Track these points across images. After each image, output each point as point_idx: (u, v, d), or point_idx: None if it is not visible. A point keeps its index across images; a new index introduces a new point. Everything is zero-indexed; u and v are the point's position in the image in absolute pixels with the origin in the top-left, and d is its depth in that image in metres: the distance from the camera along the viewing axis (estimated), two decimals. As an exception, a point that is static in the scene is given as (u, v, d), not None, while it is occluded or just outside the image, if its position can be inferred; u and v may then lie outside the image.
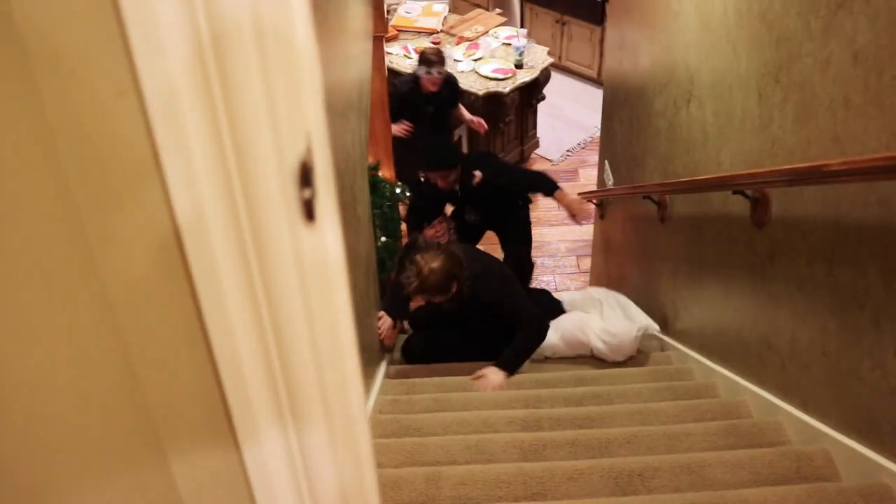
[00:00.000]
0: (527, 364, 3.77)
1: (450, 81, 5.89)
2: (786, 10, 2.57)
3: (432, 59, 5.52)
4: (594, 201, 5.82)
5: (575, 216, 4.72)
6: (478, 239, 5.32)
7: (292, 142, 0.65)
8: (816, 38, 2.37)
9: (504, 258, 4.99)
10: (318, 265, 0.73)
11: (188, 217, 0.66)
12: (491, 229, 5.28)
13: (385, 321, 3.79)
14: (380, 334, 3.75)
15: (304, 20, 0.65)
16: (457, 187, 4.77)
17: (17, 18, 0.58)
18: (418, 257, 3.46)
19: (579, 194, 5.38)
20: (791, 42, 2.54)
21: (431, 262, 3.43)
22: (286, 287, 0.71)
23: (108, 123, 0.62)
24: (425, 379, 3.60)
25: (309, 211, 0.68)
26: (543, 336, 3.74)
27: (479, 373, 3.54)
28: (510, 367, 3.59)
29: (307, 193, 0.67)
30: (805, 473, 2.33)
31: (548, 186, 4.68)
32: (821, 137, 2.37)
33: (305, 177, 0.67)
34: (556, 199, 4.65)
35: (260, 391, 0.76)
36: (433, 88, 5.62)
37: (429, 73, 5.52)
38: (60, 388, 0.67)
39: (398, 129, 5.60)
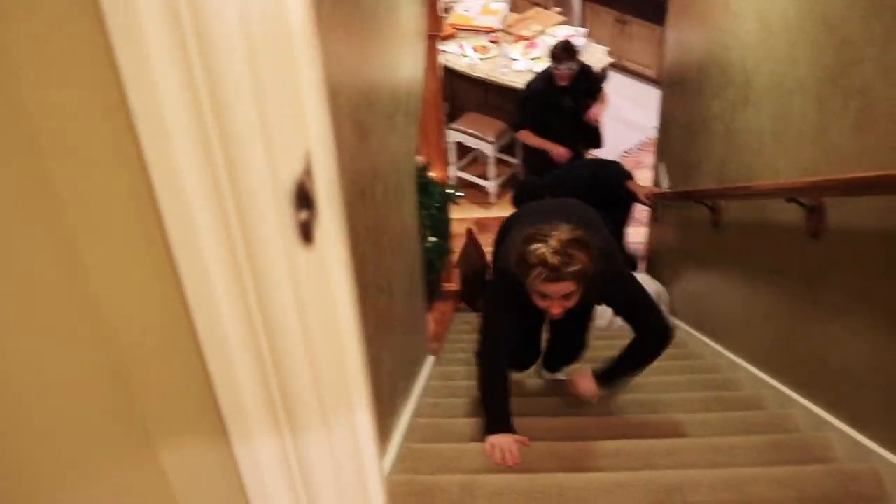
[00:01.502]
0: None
1: (585, 73, 5.83)
2: (848, 13, 2.48)
3: (559, 54, 5.46)
4: (651, 204, 5.74)
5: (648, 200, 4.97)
6: None
7: (287, 163, 0.63)
8: (877, 43, 2.28)
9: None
10: (317, 286, 0.71)
11: (181, 237, 0.64)
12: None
13: (499, 451, 2.53)
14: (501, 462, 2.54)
15: (304, 29, 0.63)
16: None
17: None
18: (547, 234, 2.35)
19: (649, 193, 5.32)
20: (853, 46, 2.45)
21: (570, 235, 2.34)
22: (282, 307, 0.70)
23: (97, 141, 0.61)
24: (469, 382, 3.57)
25: (306, 233, 0.67)
26: (667, 345, 2.70)
27: (570, 376, 2.81)
28: (611, 381, 2.79)
29: (304, 215, 0.66)
30: (852, 493, 2.25)
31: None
32: (881, 146, 2.29)
33: (304, 198, 0.65)
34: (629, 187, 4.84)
35: (255, 405, 0.75)
36: (564, 83, 5.59)
37: (557, 68, 5.48)
38: (48, 383, 0.66)
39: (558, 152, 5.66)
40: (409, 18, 3.45)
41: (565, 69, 5.48)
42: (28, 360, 0.64)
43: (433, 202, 3.82)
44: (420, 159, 3.93)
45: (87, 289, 0.69)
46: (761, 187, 3.06)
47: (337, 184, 0.73)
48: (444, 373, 3.79)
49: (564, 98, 5.66)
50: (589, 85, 5.86)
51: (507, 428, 2.60)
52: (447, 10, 7.43)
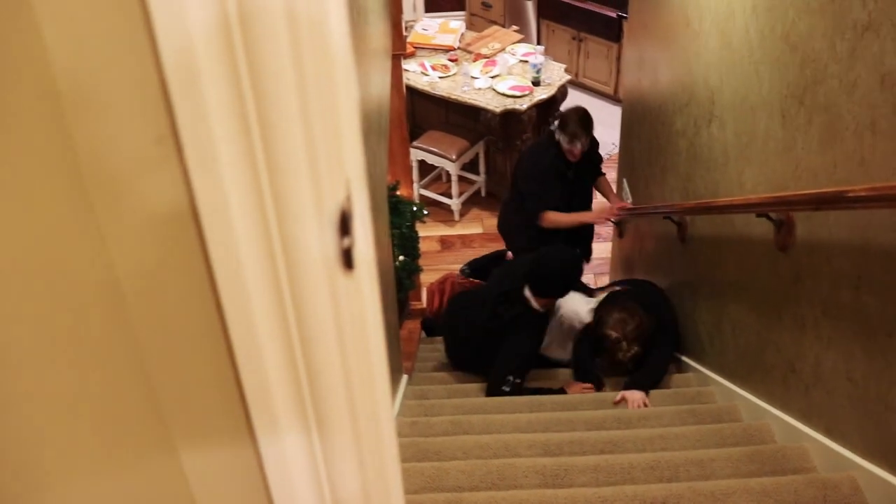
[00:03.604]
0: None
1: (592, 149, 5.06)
2: (810, 32, 2.55)
3: (577, 131, 4.62)
4: (613, 220, 5.79)
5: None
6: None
7: (332, 191, 0.63)
8: (842, 61, 2.34)
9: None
10: (355, 312, 0.71)
11: (224, 263, 0.64)
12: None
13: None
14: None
15: (345, 51, 0.64)
16: None
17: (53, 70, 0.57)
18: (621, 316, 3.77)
19: (619, 208, 5.15)
20: (816, 64, 2.52)
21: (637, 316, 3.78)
22: (322, 334, 0.70)
23: (145, 174, 0.61)
24: (444, 400, 3.58)
25: (348, 259, 0.67)
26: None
27: (623, 395, 3.50)
28: (651, 385, 3.63)
29: (346, 242, 0.66)
30: (832, 502, 2.29)
31: None
32: (847, 161, 2.34)
33: (345, 225, 0.65)
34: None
35: (290, 416, 0.75)
36: (574, 159, 4.76)
37: (571, 143, 4.64)
38: (64, 380, 0.65)
39: None
40: (378, 37, 3.47)
41: (579, 146, 4.66)
42: (56, 358, 0.63)
43: (404, 221, 3.83)
44: (389, 179, 3.93)
45: (118, 290, 0.68)
46: (731, 202, 3.12)
47: (369, 210, 0.74)
48: (418, 391, 3.78)
49: (568, 171, 4.86)
50: (592, 158, 5.12)
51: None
52: (406, 29, 7.47)
